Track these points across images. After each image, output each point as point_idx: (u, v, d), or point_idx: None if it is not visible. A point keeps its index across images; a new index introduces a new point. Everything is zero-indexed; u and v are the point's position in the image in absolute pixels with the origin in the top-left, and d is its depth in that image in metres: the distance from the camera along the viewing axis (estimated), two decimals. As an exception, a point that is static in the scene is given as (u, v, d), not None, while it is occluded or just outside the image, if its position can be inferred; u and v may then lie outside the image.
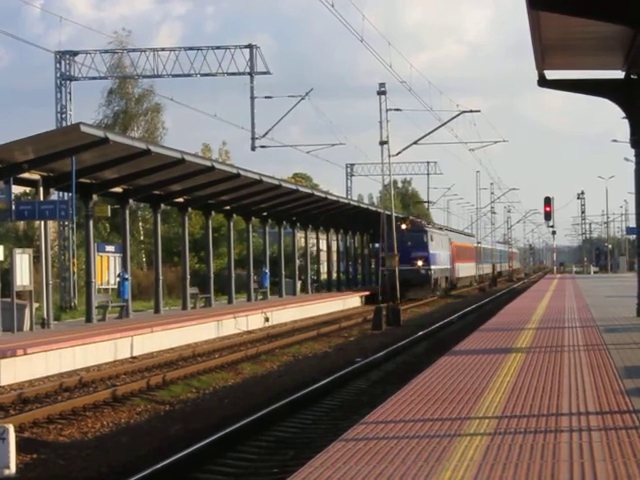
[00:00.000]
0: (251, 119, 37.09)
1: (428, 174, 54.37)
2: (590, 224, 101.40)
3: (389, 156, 32.77)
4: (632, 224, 60.76)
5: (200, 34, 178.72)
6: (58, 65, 30.15)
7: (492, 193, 79.16)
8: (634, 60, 12.24)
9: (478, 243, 69.47)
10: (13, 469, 7.36)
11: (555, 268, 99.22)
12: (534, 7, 9.87)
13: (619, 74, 13.57)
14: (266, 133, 38.44)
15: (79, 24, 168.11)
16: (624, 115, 13.93)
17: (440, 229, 50.94)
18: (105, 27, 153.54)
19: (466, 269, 54.81)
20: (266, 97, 38.59)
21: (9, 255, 21.59)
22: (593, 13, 10.29)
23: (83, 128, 19.90)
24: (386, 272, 32.73)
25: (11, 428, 7.42)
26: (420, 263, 35.16)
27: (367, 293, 37.79)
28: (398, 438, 5.42)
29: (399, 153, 36.62)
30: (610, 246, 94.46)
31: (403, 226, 36.99)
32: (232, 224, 36.55)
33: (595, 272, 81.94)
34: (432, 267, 35.75)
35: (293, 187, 36.51)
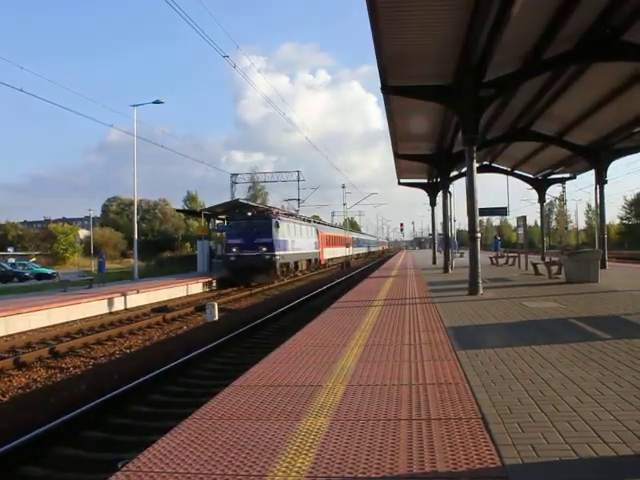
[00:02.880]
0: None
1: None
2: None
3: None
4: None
5: None
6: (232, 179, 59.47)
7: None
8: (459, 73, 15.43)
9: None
10: (217, 318, 17.76)
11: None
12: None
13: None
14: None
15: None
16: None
17: (308, 221, 53.68)
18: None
19: (335, 252, 62.34)
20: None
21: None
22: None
23: (240, 200, 43.65)
24: (233, 257, 34.75)
25: (215, 304, 18.41)
26: (264, 249, 34.29)
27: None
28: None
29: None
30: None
31: (249, 214, 36.75)
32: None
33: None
34: (277, 253, 35.06)
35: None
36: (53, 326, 18.82)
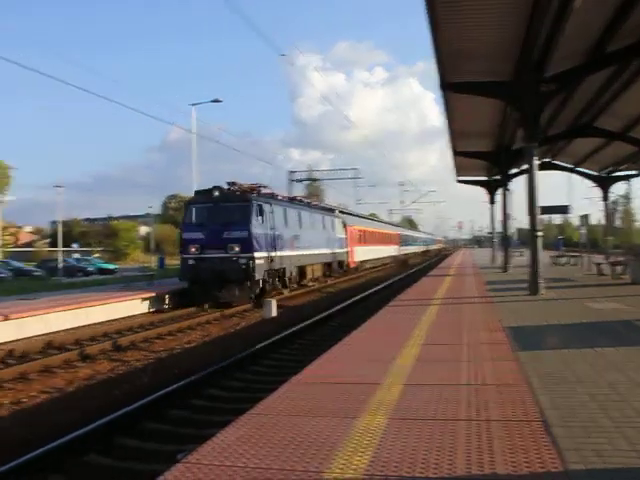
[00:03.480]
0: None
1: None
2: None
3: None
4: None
5: None
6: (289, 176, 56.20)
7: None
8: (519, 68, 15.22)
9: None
10: (275, 314, 18.07)
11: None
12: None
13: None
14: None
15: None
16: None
17: (328, 210, 40.08)
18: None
19: (373, 252, 50.61)
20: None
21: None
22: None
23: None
24: (192, 261, 22.93)
25: (274, 300, 18.78)
26: (237, 248, 22.31)
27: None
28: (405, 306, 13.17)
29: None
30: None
31: (216, 193, 23.52)
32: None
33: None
34: (258, 254, 22.81)
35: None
36: (115, 320, 19.32)
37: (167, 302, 22.94)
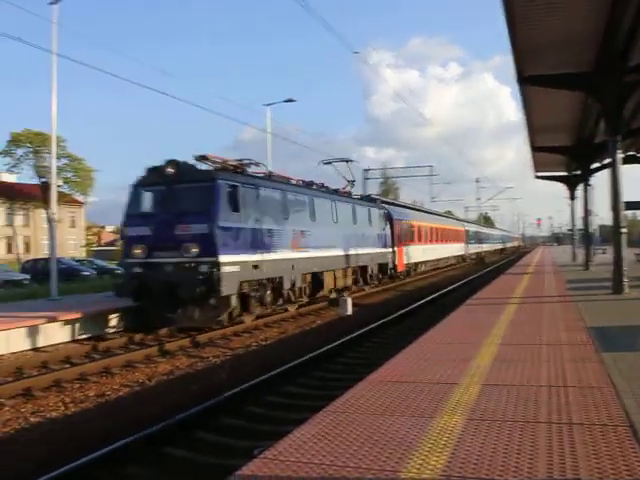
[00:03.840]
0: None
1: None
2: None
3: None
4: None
5: None
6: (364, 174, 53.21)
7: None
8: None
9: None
10: (350, 312, 18.41)
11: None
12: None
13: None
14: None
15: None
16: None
17: (370, 200, 32.16)
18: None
19: (429, 252, 42.30)
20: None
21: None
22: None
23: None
24: (136, 268, 16.38)
25: (349, 298, 19.09)
26: (195, 250, 15.49)
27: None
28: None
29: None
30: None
31: (170, 170, 16.45)
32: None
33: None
34: (225, 258, 15.58)
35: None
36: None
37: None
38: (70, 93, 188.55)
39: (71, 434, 7.98)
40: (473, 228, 70.82)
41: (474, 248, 66.37)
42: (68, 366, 12.47)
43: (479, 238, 73.06)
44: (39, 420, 8.84)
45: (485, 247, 78.59)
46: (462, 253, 58.11)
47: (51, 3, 20.04)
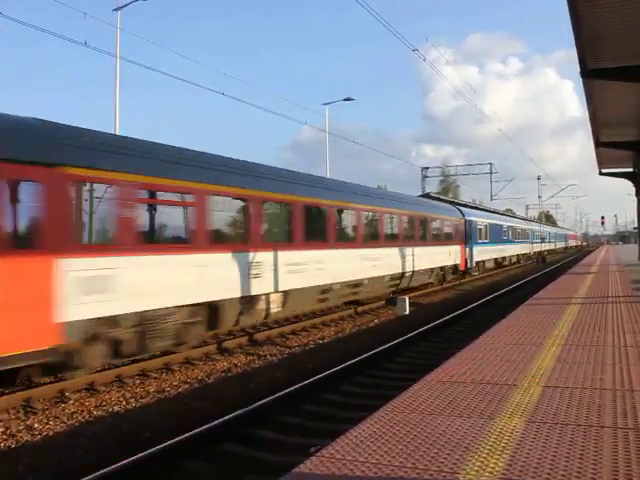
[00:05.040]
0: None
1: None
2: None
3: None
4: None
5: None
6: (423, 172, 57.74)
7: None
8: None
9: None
10: (407, 312, 18.11)
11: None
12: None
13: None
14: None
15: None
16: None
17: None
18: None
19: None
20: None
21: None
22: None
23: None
24: None
25: (407, 297, 18.60)
26: None
27: None
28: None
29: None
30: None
31: None
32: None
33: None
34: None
35: None
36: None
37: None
38: (131, 94, 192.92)
39: (131, 429, 8.20)
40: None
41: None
42: (129, 362, 12.78)
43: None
44: (102, 414, 9.10)
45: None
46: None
47: (115, 9, 20.61)
